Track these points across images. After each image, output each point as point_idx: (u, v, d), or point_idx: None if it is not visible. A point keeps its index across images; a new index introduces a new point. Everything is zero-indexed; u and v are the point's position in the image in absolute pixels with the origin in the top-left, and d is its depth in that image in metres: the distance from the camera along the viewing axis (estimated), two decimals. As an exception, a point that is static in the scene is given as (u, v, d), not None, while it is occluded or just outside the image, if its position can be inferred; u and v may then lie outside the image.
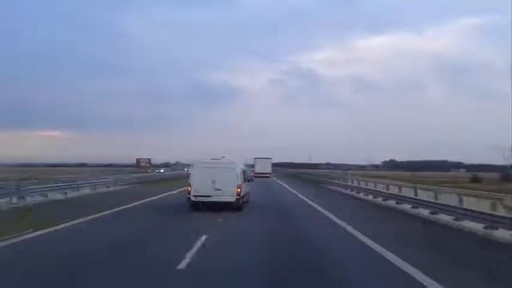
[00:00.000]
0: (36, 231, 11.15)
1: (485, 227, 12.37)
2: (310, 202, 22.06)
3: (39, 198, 19.97)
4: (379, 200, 22.30)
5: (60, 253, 8.94)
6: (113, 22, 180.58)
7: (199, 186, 16.90)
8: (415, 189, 21.84)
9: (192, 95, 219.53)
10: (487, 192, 18.67)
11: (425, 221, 15.18)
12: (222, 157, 18.33)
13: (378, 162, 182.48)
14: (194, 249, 9.13)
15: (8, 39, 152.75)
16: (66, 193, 22.67)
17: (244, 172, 19.37)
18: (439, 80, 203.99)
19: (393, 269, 7.89)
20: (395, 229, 13.38)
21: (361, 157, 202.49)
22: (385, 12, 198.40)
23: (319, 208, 19.05)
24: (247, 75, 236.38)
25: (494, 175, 56.30)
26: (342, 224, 13.88)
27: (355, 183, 32.38)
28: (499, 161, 55.09)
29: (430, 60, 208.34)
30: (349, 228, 12.88)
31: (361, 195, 26.02)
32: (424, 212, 16.58)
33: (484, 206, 14.61)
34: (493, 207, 14.59)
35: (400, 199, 20.19)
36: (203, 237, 10.55)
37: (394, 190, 24.55)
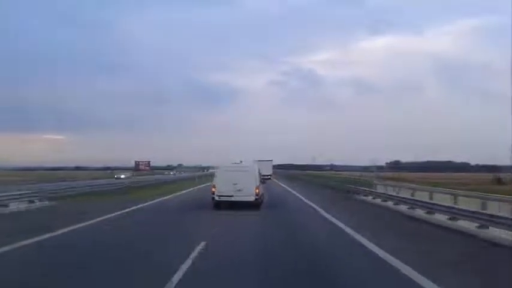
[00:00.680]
0: None
1: None
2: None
3: None
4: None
5: None
6: (112, 22, 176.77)
7: (223, 188, 18.90)
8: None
9: (192, 95, 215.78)
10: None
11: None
12: (240, 161, 21.85)
13: (382, 163, 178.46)
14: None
15: (5, 38, 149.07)
16: None
17: (260, 175, 21.68)
18: (441, 81, 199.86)
19: None
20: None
21: (364, 159, 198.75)
22: (387, 13, 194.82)
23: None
24: (248, 75, 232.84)
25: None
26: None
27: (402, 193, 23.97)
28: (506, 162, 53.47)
29: (432, 61, 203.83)
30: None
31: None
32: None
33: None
34: None
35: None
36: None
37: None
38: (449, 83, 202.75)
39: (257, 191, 19.04)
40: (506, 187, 40.09)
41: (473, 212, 13.15)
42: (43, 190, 24.28)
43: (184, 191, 34.52)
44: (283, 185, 45.04)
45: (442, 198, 19.54)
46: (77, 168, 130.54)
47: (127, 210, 18.47)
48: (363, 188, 28.12)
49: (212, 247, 9.79)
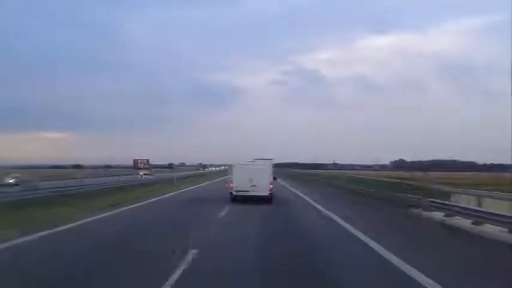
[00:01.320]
0: None
1: None
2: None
3: None
4: None
5: None
6: (112, 22, 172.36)
7: (239, 184, 20.94)
8: None
9: (194, 95, 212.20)
10: None
11: None
12: (255, 160, 23.24)
13: (386, 162, 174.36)
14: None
15: (6, 38, 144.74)
16: None
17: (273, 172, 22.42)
18: (444, 80, 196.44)
19: None
20: None
21: (367, 157, 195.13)
22: (389, 12, 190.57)
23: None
24: (250, 75, 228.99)
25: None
26: None
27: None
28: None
29: (435, 60, 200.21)
30: None
31: None
32: None
33: None
34: None
35: None
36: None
37: None
38: (453, 82, 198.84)
39: (270, 186, 21.24)
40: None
41: None
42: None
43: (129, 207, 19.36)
44: (292, 190, 34.12)
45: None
46: (77, 166, 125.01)
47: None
48: (429, 200, 16.98)
49: None
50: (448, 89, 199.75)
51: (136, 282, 6.71)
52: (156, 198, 24.47)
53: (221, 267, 7.76)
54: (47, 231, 11.37)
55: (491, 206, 14.44)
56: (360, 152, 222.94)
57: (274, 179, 23.45)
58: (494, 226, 12.15)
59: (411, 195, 19.16)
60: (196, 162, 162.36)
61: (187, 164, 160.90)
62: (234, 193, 21.15)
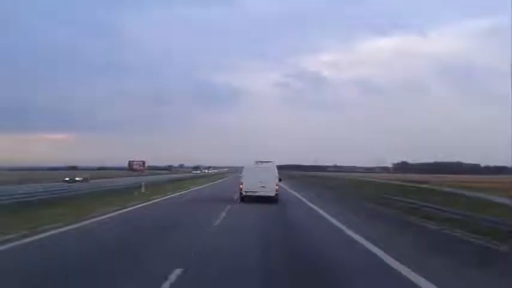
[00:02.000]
0: None
1: None
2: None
3: None
4: None
5: None
6: (112, 21, 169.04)
7: (249, 184, 22.11)
8: None
9: (194, 96, 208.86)
10: None
11: None
12: (256, 162, 23.84)
13: (388, 164, 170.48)
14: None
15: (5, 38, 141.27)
16: None
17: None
18: (446, 82, 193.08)
19: None
20: None
21: (368, 159, 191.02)
22: (391, 14, 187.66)
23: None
24: (251, 76, 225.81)
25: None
26: None
27: None
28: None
29: (437, 61, 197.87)
30: None
31: None
32: None
33: None
34: None
35: None
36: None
37: None
38: (454, 84, 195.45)
39: (276, 187, 22.24)
40: None
41: None
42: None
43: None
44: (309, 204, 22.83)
45: None
46: (73, 167, 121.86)
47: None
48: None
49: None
50: (450, 91, 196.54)
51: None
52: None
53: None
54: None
55: None
56: (361, 154, 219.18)
57: (280, 180, 24.21)
58: None
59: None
60: (196, 164, 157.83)
61: (187, 165, 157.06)
62: (244, 193, 22.29)
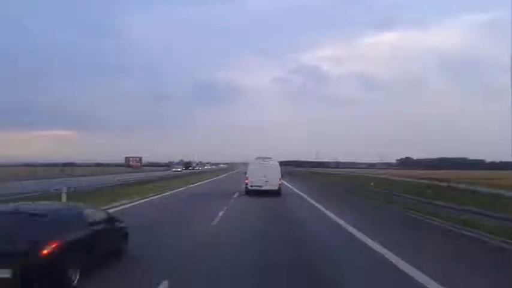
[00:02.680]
0: None
1: None
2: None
3: None
4: None
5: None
6: (112, 21, 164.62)
7: (254, 179, 24.03)
8: None
9: (195, 94, 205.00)
10: None
11: None
12: (266, 158, 25.66)
13: (391, 160, 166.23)
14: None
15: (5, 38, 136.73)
16: None
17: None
18: (450, 77, 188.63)
19: None
20: None
21: (371, 155, 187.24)
22: (392, 8, 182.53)
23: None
24: (252, 73, 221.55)
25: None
26: None
27: None
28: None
29: (439, 56, 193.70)
30: None
31: None
32: None
33: None
34: None
35: None
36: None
37: None
38: (458, 78, 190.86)
39: (280, 182, 24.32)
40: None
41: None
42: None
43: None
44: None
45: None
46: (70, 164, 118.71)
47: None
48: None
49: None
50: (453, 86, 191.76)
51: None
52: None
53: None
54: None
55: None
56: (362, 150, 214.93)
57: (282, 176, 25.41)
58: None
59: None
60: (197, 160, 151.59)
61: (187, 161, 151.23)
62: (249, 187, 24.09)
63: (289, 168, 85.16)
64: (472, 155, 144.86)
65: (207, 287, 6.56)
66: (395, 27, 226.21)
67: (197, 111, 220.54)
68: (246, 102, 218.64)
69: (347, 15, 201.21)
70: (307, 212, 17.75)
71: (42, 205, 7.91)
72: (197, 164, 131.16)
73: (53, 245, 5.79)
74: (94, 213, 7.74)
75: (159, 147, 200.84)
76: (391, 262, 8.07)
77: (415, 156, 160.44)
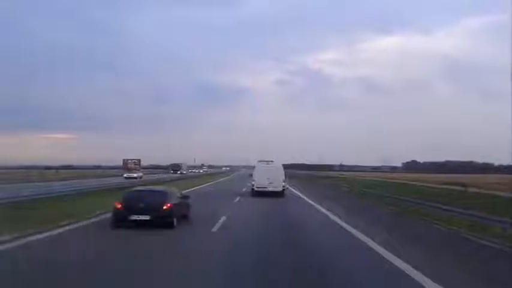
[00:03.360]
0: None
1: None
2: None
3: None
4: None
5: None
6: (112, 21, 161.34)
7: (259, 181, 25.47)
8: None
9: (197, 95, 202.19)
10: None
11: None
12: (272, 161, 27.03)
13: (397, 163, 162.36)
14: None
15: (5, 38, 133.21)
16: None
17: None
18: (454, 80, 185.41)
19: None
20: None
21: (375, 158, 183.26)
22: (394, 12, 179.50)
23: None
24: (254, 75, 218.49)
25: None
26: None
27: None
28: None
29: (443, 60, 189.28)
30: None
31: None
32: None
33: None
34: None
35: None
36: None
37: None
38: (464, 81, 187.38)
39: (283, 183, 25.52)
40: None
41: None
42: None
43: None
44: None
45: None
46: (68, 167, 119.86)
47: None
48: None
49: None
50: (459, 89, 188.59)
51: None
52: None
53: None
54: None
55: None
56: (367, 153, 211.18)
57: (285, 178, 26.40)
58: None
59: None
60: (199, 162, 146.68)
61: (189, 164, 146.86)
62: (255, 188, 25.56)
63: (293, 171, 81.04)
64: (479, 158, 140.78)
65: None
66: (399, 31, 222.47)
67: (197, 112, 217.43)
68: (249, 104, 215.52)
69: (350, 19, 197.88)
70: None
71: (159, 187, 15.14)
72: (189, 167, 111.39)
73: (167, 205, 12.01)
74: (179, 192, 15.32)
75: (162, 150, 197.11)
76: None
77: (421, 159, 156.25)
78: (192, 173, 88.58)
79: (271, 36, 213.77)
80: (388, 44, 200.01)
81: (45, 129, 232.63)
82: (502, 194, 30.72)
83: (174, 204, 12.26)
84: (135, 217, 11.49)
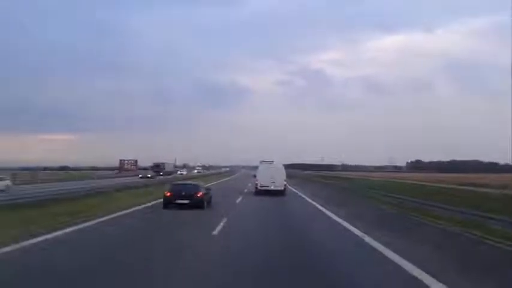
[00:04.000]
0: None
1: None
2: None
3: None
4: None
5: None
6: (113, 21, 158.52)
7: (263, 180, 27.61)
8: None
9: (199, 95, 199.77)
10: None
11: None
12: (272, 161, 29.87)
13: (401, 163, 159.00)
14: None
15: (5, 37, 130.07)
16: None
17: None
18: (458, 80, 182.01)
19: None
20: None
21: (378, 158, 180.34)
22: (395, 12, 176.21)
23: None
24: (255, 75, 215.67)
25: None
26: None
27: None
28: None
29: (446, 60, 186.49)
30: None
31: None
32: None
33: None
34: None
35: None
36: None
37: None
38: (466, 81, 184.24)
39: (285, 183, 27.81)
40: None
41: None
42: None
43: None
44: None
45: None
46: (64, 168, 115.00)
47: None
48: None
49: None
50: (463, 88, 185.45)
51: None
52: None
53: None
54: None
55: None
56: (370, 153, 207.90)
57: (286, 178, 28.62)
58: None
59: None
60: (199, 163, 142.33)
61: (191, 164, 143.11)
62: (259, 187, 27.56)
63: (296, 171, 77.41)
64: (483, 157, 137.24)
65: None
66: (402, 30, 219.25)
67: (197, 112, 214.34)
68: (250, 104, 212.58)
69: (351, 19, 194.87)
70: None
71: (194, 182, 22.41)
72: (176, 167, 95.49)
73: (200, 193, 18.07)
74: (206, 185, 22.28)
75: (162, 149, 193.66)
76: None
77: (425, 159, 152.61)
78: (181, 175, 71.74)
79: (272, 36, 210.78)
80: (389, 43, 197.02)
81: (45, 129, 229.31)
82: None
83: (203, 193, 18.21)
84: (179, 201, 17.72)
